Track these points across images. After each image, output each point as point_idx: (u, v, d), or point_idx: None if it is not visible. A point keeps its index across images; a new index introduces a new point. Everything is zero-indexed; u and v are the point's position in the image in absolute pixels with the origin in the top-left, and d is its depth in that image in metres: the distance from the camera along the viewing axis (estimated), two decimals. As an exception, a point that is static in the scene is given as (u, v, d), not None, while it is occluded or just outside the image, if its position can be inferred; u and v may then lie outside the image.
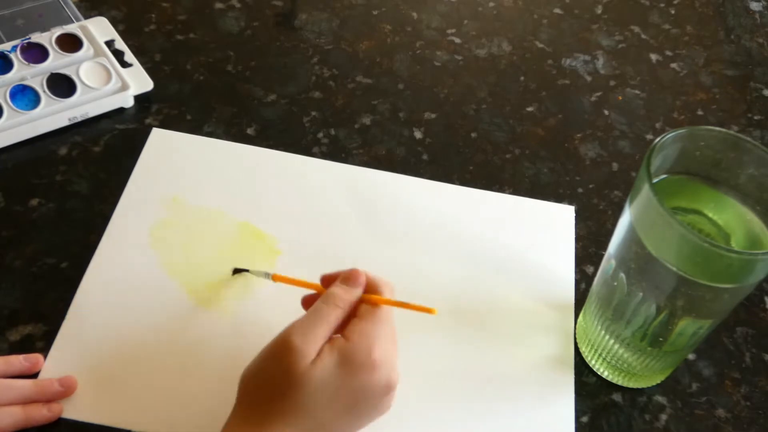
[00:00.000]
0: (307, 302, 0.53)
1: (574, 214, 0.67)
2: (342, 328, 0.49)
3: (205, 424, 0.53)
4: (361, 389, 0.47)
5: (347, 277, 0.50)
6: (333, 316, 0.48)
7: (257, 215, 0.64)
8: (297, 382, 0.46)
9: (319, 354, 0.46)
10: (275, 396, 0.46)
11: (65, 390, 0.53)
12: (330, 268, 0.61)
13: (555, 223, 0.67)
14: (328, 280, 0.52)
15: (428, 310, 0.49)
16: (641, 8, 0.86)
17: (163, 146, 0.68)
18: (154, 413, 0.53)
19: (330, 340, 0.48)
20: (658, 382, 0.58)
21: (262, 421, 0.46)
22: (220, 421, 0.53)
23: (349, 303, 0.49)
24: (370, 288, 0.50)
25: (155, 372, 0.55)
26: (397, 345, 0.50)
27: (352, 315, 0.49)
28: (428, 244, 0.64)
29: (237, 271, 0.60)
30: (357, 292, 0.50)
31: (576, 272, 0.63)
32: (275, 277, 0.57)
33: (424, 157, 0.70)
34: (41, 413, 0.52)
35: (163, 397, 0.54)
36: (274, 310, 0.59)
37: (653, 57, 0.81)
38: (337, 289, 0.50)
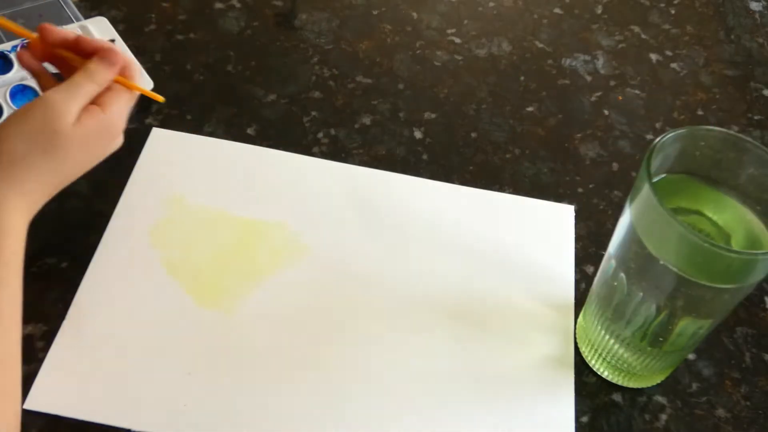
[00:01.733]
0: (23, 57, 0.55)
1: (573, 214, 0.67)
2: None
3: (205, 423, 0.53)
4: (104, 152, 0.54)
5: (107, 57, 0.54)
6: (92, 90, 0.53)
7: (257, 214, 0.64)
8: (60, 140, 0.50)
9: (79, 119, 0.51)
10: (38, 153, 0.50)
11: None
12: (329, 266, 0.62)
13: (555, 222, 0.67)
14: (47, 32, 0.54)
15: (156, 97, 0.57)
16: (641, 8, 0.86)
17: (163, 146, 0.68)
18: (154, 412, 0.53)
19: (86, 108, 0.52)
20: (658, 382, 0.58)
21: (17, 176, 0.50)
22: (220, 420, 0.53)
23: (107, 82, 0.54)
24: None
25: (155, 371, 0.55)
26: None
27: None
28: (428, 243, 0.64)
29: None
30: (114, 72, 0.54)
31: (576, 272, 0.64)
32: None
33: (424, 157, 0.70)
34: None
35: (163, 396, 0.54)
36: (275, 310, 0.59)
37: (653, 57, 0.81)
38: (97, 67, 0.53)
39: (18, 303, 0.49)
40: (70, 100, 0.51)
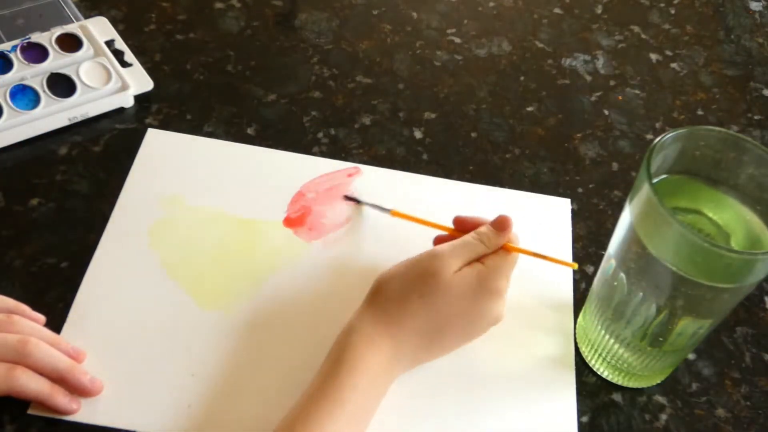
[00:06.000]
0: (439, 241, 0.60)
1: (570, 207, 0.67)
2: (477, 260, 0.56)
3: (206, 423, 0.53)
4: (481, 309, 0.55)
5: (499, 224, 0.56)
6: (479, 249, 0.56)
7: (256, 214, 0.64)
8: (441, 285, 0.53)
9: (460, 269, 0.54)
10: (414, 295, 0.53)
11: (90, 389, 0.53)
12: (329, 265, 0.62)
13: (551, 216, 0.67)
14: (461, 223, 0.59)
15: (570, 265, 0.58)
16: (641, 8, 0.86)
17: (159, 146, 0.68)
18: (156, 413, 0.53)
19: (470, 263, 0.55)
20: (658, 381, 0.58)
21: (391, 319, 0.53)
22: (221, 420, 0.53)
23: (495, 246, 0.56)
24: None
25: (158, 373, 0.55)
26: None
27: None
28: (428, 240, 0.64)
29: (349, 198, 0.65)
30: (504, 239, 0.56)
31: (576, 272, 0.63)
32: (394, 213, 0.63)
33: (424, 156, 0.70)
34: (62, 401, 0.52)
35: (166, 398, 0.54)
36: (275, 310, 0.59)
37: (653, 57, 0.81)
38: (488, 231, 0.56)
39: None
40: (455, 253, 0.55)
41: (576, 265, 0.57)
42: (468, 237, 0.56)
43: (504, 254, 0.56)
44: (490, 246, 0.56)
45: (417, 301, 0.53)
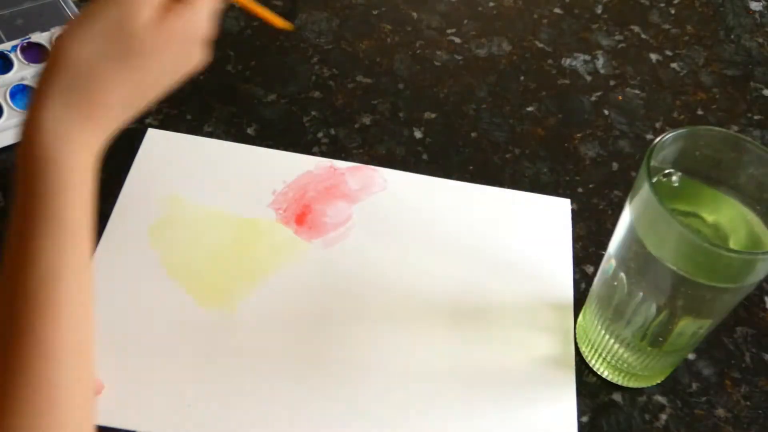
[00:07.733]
0: None
1: (570, 207, 0.67)
2: None
3: (207, 423, 0.53)
4: (188, 61, 0.47)
5: None
6: None
7: (256, 213, 0.64)
8: (135, 44, 0.43)
9: (159, 17, 0.44)
10: (104, 61, 0.42)
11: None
12: (330, 265, 0.62)
13: (551, 217, 0.67)
14: None
15: (285, 26, 0.48)
16: (641, 8, 0.86)
17: (159, 147, 0.68)
18: (156, 413, 0.53)
19: (166, 6, 0.45)
20: (658, 381, 0.58)
21: (80, 98, 0.42)
22: (221, 420, 0.53)
23: None
24: None
25: (158, 372, 0.55)
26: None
27: None
28: (427, 240, 0.64)
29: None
30: None
31: (576, 272, 0.63)
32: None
33: (424, 156, 0.70)
34: None
35: (164, 397, 0.54)
36: (275, 309, 0.59)
37: (653, 57, 0.81)
38: None
39: (88, 279, 0.42)
40: None
41: (292, 26, 0.47)
42: None
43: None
44: None
45: (113, 69, 0.42)
